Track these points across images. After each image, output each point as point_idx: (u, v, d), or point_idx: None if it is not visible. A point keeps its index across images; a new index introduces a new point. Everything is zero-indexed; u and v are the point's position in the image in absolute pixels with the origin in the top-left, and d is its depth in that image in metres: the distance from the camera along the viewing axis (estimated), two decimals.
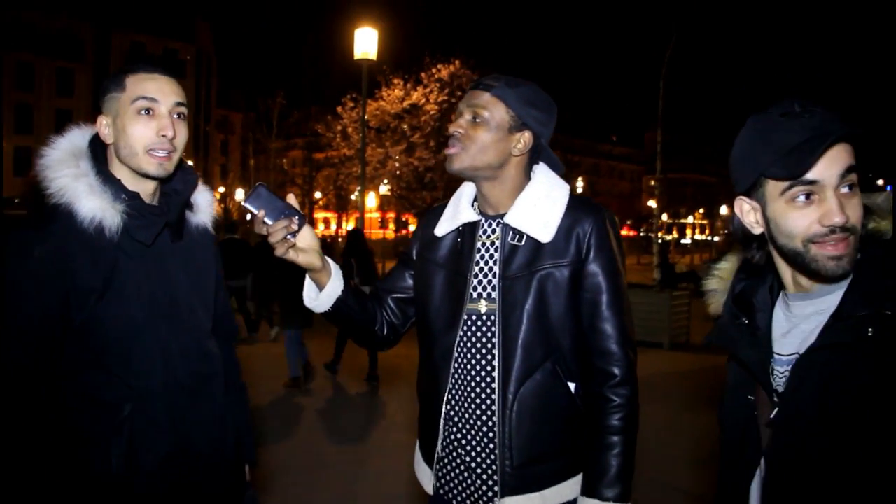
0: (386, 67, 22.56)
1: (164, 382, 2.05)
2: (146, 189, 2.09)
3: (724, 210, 58.52)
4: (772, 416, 1.55)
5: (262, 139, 28.51)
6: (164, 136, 2.01)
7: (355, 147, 22.08)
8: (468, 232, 2.20)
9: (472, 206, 2.25)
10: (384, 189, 27.42)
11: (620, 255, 2.14)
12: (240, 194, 41.19)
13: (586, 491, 2.04)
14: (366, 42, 15.05)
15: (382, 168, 23.33)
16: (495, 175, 2.13)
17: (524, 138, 2.12)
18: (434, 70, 22.68)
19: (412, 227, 43.56)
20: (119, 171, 2.05)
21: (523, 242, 2.10)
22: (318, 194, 39.88)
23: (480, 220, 2.19)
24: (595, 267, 2.08)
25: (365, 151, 17.89)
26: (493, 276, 2.12)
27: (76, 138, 2.08)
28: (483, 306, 2.12)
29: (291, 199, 2.03)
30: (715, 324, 1.74)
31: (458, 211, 2.24)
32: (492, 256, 2.14)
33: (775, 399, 1.56)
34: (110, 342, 1.99)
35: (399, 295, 2.36)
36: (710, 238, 61.29)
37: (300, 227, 1.99)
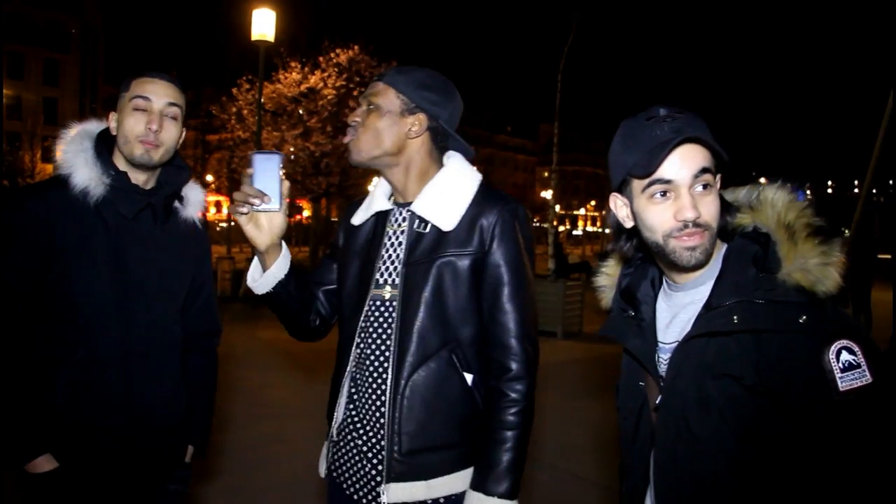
0: (283, 49, 22.14)
1: (116, 342, 2.30)
2: (139, 177, 2.39)
3: None
4: (657, 400, 1.66)
5: None
6: (150, 128, 2.30)
7: (251, 130, 21.61)
8: (381, 221, 2.23)
9: (389, 196, 2.26)
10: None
11: (527, 249, 2.14)
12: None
13: (475, 485, 2.05)
14: (263, 23, 14.73)
15: None
16: (396, 161, 2.16)
17: (418, 120, 2.14)
18: (332, 54, 22.41)
19: (306, 213, 43.14)
20: (118, 160, 2.38)
21: (427, 230, 2.12)
22: (210, 177, 39.02)
23: (392, 209, 2.21)
24: (497, 258, 2.08)
25: (261, 135, 17.56)
26: (398, 261, 2.13)
27: (91, 126, 2.45)
28: (387, 292, 2.14)
29: (285, 185, 2.05)
30: (607, 317, 1.85)
31: (373, 201, 2.27)
32: (400, 244, 2.16)
33: (661, 384, 1.66)
34: (74, 297, 2.27)
35: (326, 286, 2.38)
36: (601, 230, 62.83)
37: (270, 209, 2.02)
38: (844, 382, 1.40)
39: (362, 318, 2.17)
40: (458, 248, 2.08)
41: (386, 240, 2.20)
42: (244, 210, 2.01)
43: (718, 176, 1.56)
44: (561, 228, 65.47)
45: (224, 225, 49.57)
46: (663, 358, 1.67)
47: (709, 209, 1.53)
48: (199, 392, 2.62)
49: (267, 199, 2.00)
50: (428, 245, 2.11)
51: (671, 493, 1.61)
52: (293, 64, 22.35)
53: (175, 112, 2.38)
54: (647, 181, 1.54)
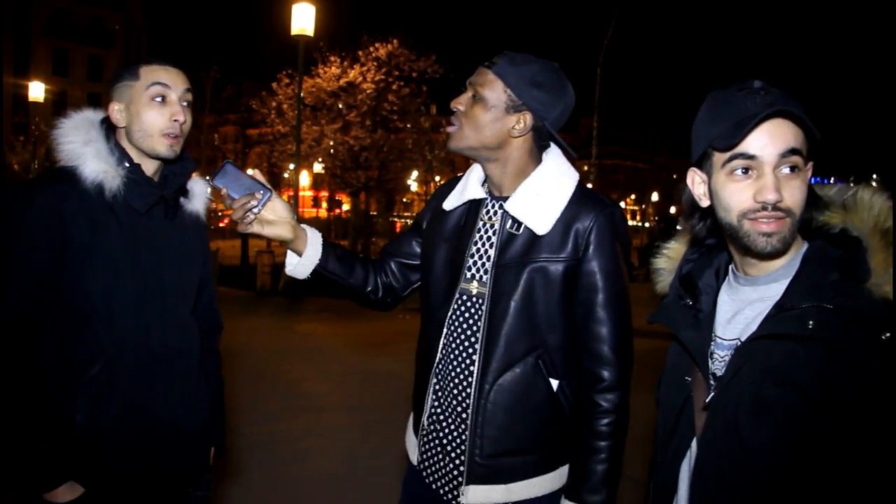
0: (323, 44, 22.25)
1: (136, 347, 2.17)
2: (148, 168, 2.25)
3: (655, 196, 59.62)
4: (707, 399, 1.56)
5: (194, 114, 27.97)
6: (176, 121, 2.20)
7: (290, 124, 21.74)
8: (473, 209, 2.20)
9: (483, 184, 2.21)
10: (318, 167, 27.10)
11: (624, 255, 2.09)
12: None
13: (569, 494, 2.05)
14: (303, 17, 14.81)
15: (317, 146, 23.06)
16: (495, 156, 2.10)
17: (524, 119, 2.07)
18: (371, 48, 22.46)
19: (345, 207, 43.31)
20: (126, 148, 2.23)
21: (520, 231, 2.08)
22: (250, 171, 39.31)
23: (486, 199, 2.17)
24: (592, 266, 2.03)
25: (300, 129, 17.65)
26: (488, 259, 2.10)
27: (90, 114, 2.28)
28: (474, 288, 2.12)
29: (257, 174, 2.08)
30: (660, 303, 1.74)
31: (467, 187, 2.22)
32: (489, 239, 2.13)
33: (711, 382, 1.57)
34: (90, 301, 2.11)
35: (403, 260, 2.37)
36: (641, 224, 62.29)
37: (264, 200, 2.05)
38: None
39: (451, 311, 2.15)
40: (552, 253, 2.03)
41: (477, 233, 2.16)
42: (251, 219, 2.04)
43: (810, 163, 1.44)
44: None
45: None
46: (718, 354, 1.58)
47: (793, 195, 1.41)
48: (214, 391, 2.53)
49: (256, 196, 2.04)
50: (520, 247, 2.06)
51: (708, 497, 1.51)
52: (332, 58, 22.45)
53: (190, 98, 2.27)
54: (728, 155, 1.44)
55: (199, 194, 2.45)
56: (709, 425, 1.53)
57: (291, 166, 22.57)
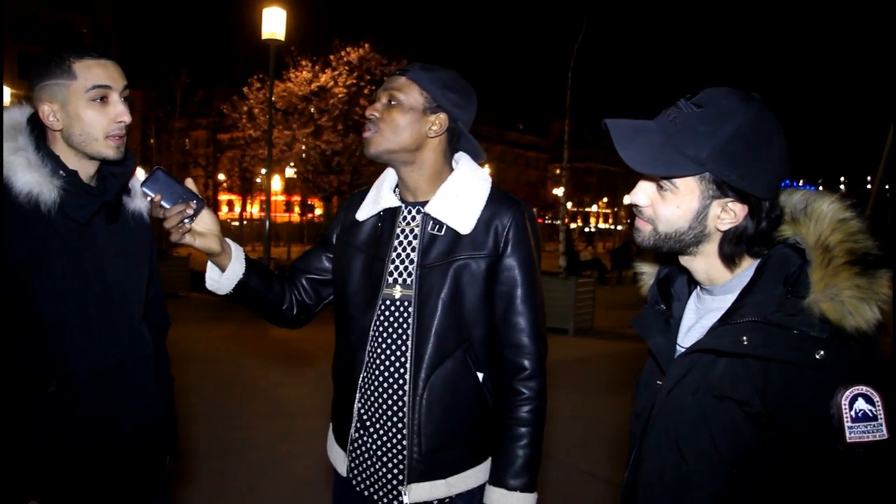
0: (294, 48, 22.23)
1: (91, 363, 2.07)
2: (87, 170, 2.12)
3: (627, 200, 59.84)
4: (651, 408, 1.59)
5: (165, 118, 27.75)
6: (121, 121, 2.08)
7: (262, 129, 21.70)
8: (388, 218, 2.22)
9: (394, 191, 2.25)
10: (290, 172, 27.03)
11: (537, 250, 2.18)
12: (141, 174, 40.04)
13: (493, 480, 2.10)
14: (274, 21, 14.75)
15: (289, 151, 23.01)
16: (412, 159, 2.15)
17: (439, 120, 2.14)
18: (343, 53, 22.46)
19: (318, 212, 43.18)
20: (61, 152, 2.08)
21: (443, 232, 2.13)
22: (221, 176, 39.11)
23: (401, 207, 2.20)
24: (512, 261, 2.11)
25: (271, 133, 17.59)
26: (411, 262, 2.14)
27: (14, 115, 2.10)
28: (398, 292, 2.14)
29: (190, 183, 2.05)
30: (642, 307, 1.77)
31: (380, 196, 2.25)
32: (410, 243, 2.15)
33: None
34: (38, 319, 2.00)
35: (314, 276, 2.36)
36: (613, 227, 62.71)
37: (198, 211, 2.01)
38: (853, 434, 1.27)
39: (375, 318, 2.16)
40: (474, 250, 2.10)
41: (395, 238, 2.19)
42: (186, 229, 2.01)
43: (683, 184, 1.46)
44: (573, 226, 65.47)
45: (236, 224, 49.74)
46: None
47: (641, 199, 1.53)
48: (166, 395, 2.44)
49: (190, 206, 2.01)
50: (443, 247, 2.12)
51: None
52: (304, 62, 22.43)
53: (128, 94, 2.12)
54: None
55: (140, 192, 2.27)
56: (652, 434, 1.56)
57: (263, 171, 22.48)
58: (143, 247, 2.31)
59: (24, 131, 2.06)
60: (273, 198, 25.63)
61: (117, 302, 2.15)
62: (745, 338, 1.36)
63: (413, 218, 2.18)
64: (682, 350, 1.58)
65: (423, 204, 2.17)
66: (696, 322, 1.59)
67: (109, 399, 2.12)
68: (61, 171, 2.03)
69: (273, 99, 17.55)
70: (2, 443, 1.96)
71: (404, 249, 2.17)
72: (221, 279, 2.15)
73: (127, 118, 2.09)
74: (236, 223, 50.04)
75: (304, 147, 22.70)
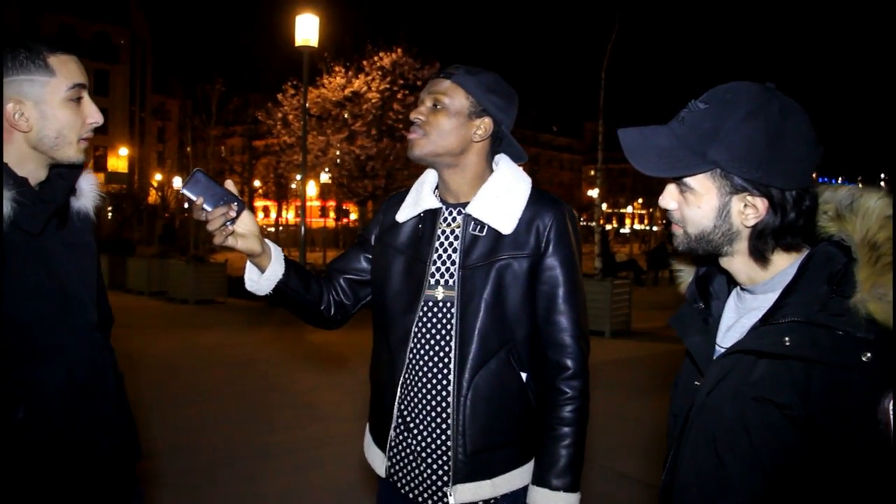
0: (327, 54, 22.28)
1: (61, 382, 1.93)
2: (38, 175, 1.93)
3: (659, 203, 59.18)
4: (688, 410, 1.56)
5: (200, 126, 27.94)
6: (93, 122, 1.94)
7: (296, 135, 21.79)
8: (429, 219, 2.22)
9: (434, 193, 2.26)
10: (325, 177, 27.13)
11: (578, 250, 2.18)
12: (177, 182, 40.41)
13: (536, 480, 2.10)
14: (307, 29, 14.86)
15: (323, 156, 23.08)
16: (456, 162, 2.16)
17: (484, 124, 2.15)
18: (376, 58, 22.48)
19: (353, 216, 43.37)
20: (13, 155, 1.86)
21: (484, 233, 2.14)
22: (257, 182, 39.44)
23: (441, 208, 2.21)
24: (553, 260, 2.12)
25: (306, 139, 17.69)
26: (452, 263, 2.14)
27: None
28: (440, 293, 2.15)
29: (230, 184, 2.03)
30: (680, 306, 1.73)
31: (421, 198, 2.25)
32: (451, 244, 2.16)
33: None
34: (1, 341, 1.82)
35: (352, 276, 2.37)
36: (648, 228, 62.17)
37: (239, 213, 1.99)
38: None
39: (417, 319, 2.16)
40: (516, 250, 2.11)
41: (437, 240, 2.19)
42: (229, 231, 1.99)
43: (707, 175, 1.44)
44: (608, 227, 65.02)
45: (272, 229, 50.12)
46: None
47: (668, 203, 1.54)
48: (121, 391, 2.25)
49: (232, 208, 1.98)
50: (485, 248, 2.13)
51: None
52: (337, 68, 22.48)
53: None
54: None
55: (87, 191, 2.13)
56: (690, 437, 1.53)
57: (298, 177, 22.64)
58: (91, 247, 2.14)
59: None
60: (308, 203, 25.82)
61: (77, 313, 1.99)
62: (787, 338, 1.31)
63: (454, 219, 2.19)
64: (721, 350, 1.54)
65: (464, 205, 2.18)
66: (736, 321, 1.55)
67: (78, 415, 1.98)
68: (11, 182, 1.81)
69: (307, 105, 17.65)
70: None
71: (445, 251, 2.17)
72: (261, 280, 2.15)
73: (99, 119, 1.95)
74: (272, 229, 50.44)
75: (338, 152, 22.76)
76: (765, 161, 1.37)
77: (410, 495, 2.19)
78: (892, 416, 1.21)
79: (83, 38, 50.94)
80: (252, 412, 7.27)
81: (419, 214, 2.25)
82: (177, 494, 4.97)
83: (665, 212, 1.57)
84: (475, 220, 2.15)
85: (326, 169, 24.56)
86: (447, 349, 2.12)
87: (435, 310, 2.15)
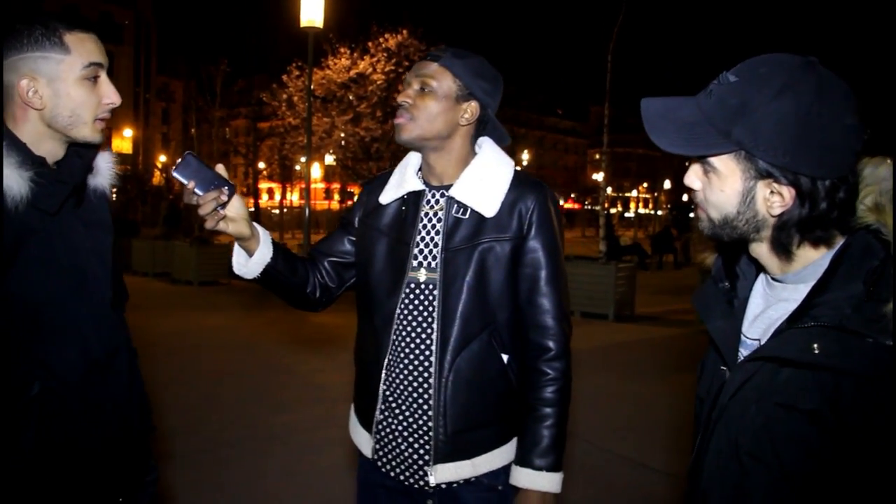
0: (332, 36, 22.19)
1: (76, 358, 1.95)
2: (56, 153, 1.93)
3: (667, 184, 59.41)
4: (712, 415, 1.47)
5: (205, 108, 27.90)
6: (110, 103, 1.93)
7: (301, 116, 21.73)
8: (412, 201, 2.23)
9: (417, 175, 2.27)
10: (330, 159, 27.09)
11: (560, 233, 2.20)
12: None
13: (519, 460, 2.14)
14: (312, 9, 14.77)
15: (328, 138, 23.04)
16: (442, 145, 2.17)
17: (471, 108, 2.15)
18: (381, 39, 22.39)
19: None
20: (28, 133, 1.86)
21: (467, 216, 2.15)
22: (262, 164, 39.38)
23: (425, 191, 2.22)
24: (536, 243, 2.14)
25: (311, 121, 17.66)
26: (435, 246, 2.16)
27: None
28: (423, 275, 2.16)
29: (220, 168, 2.02)
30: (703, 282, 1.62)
31: (404, 180, 2.26)
32: (434, 227, 2.18)
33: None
34: (18, 319, 1.85)
35: (336, 259, 2.38)
36: (653, 212, 62.08)
37: (230, 197, 1.98)
38: None
39: (400, 301, 2.18)
40: (499, 233, 2.13)
41: (420, 222, 2.21)
42: (220, 216, 1.98)
43: (727, 157, 1.34)
44: (612, 211, 64.94)
45: (276, 211, 50.09)
46: (742, 353, 1.46)
47: (705, 193, 1.41)
48: (134, 368, 2.26)
49: (223, 192, 1.96)
50: (468, 230, 2.14)
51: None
52: (342, 50, 22.40)
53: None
54: None
55: (103, 169, 2.14)
56: (713, 440, 1.45)
57: (303, 159, 22.60)
58: (107, 226, 2.14)
59: None
60: (312, 185, 25.79)
61: (93, 291, 2.01)
62: (815, 345, 1.20)
63: (437, 202, 2.20)
64: (746, 341, 1.46)
65: (448, 188, 2.18)
66: (764, 311, 1.45)
67: (94, 393, 2.00)
68: (30, 162, 1.81)
69: (312, 87, 17.61)
70: None
71: (428, 233, 2.19)
72: (250, 263, 2.15)
73: (117, 100, 1.94)
74: (276, 211, 50.37)
75: (343, 134, 22.71)
76: (794, 146, 1.24)
77: (392, 474, 2.22)
78: None
79: (87, 17, 50.78)
80: (257, 393, 7.30)
81: (402, 196, 2.25)
82: (182, 473, 4.99)
83: (689, 192, 1.46)
84: (458, 202, 2.16)
85: (331, 151, 24.52)
86: (429, 331, 2.14)
87: (417, 292, 2.17)
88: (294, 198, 56.34)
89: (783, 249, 1.36)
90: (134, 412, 2.20)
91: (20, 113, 1.85)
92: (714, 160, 1.35)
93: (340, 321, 11.65)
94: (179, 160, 1.98)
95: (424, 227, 2.20)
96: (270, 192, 64.74)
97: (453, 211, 2.17)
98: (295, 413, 6.62)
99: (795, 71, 1.27)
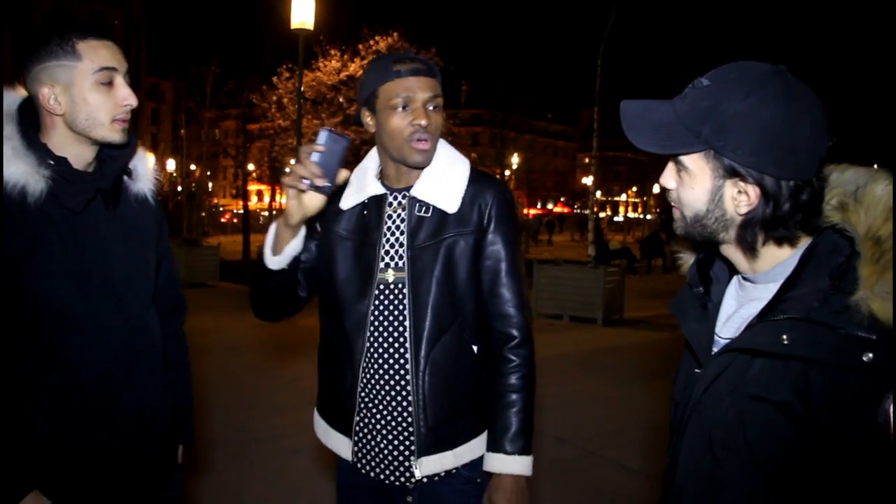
0: (323, 38, 22.19)
1: (94, 355, 2.02)
2: (85, 156, 2.05)
3: (656, 189, 59.58)
4: (687, 410, 1.50)
5: (195, 109, 27.80)
6: (127, 105, 2.03)
7: (291, 118, 21.71)
8: (374, 205, 2.26)
9: (377, 179, 2.30)
10: None
11: (516, 225, 2.29)
12: (171, 165, 40.21)
13: (491, 446, 2.19)
14: (303, 11, 14.77)
15: None
16: None
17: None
18: (372, 42, 22.39)
19: None
20: (57, 138, 2.01)
21: (430, 213, 2.20)
22: (251, 166, 39.29)
23: (386, 194, 2.25)
24: (496, 236, 2.21)
25: (301, 123, 17.63)
26: (401, 246, 2.20)
27: (7, 101, 2.02)
28: (391, 275, 2.20)
29: (344, 173, 2.04)
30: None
31: (365, 184, 2.29)
32: (398, 227, 2.21)
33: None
34: (36, 311, 1.95)
35: (307, 265, 2.36)
36: (642, 216, 62.28)
37: (325, 194, 2.00)
38: None
39: (372, 302, 2.21)
40: (462, 227, 2.19)
41: (384, 224, 2.23)
42: (302, 186, 1.98)
43: (697, 156, 1.39)
44: (602, 215, 65.10)
45: (266, 213, 50.01)
46: (714, 353, 1.49)
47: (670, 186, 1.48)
48: (178, 382, 2.39)
49: (325, 181, 1.97)
50: (432, 228, 2.19)
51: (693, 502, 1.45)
52: (333, 52, 22.39)
53: (128, 79, 2.07)
54: None
55: (143, 173, 2.26)
56: (688, 434, 1.48)
57: (292, 161, 22.54)
58: (148, 231, 2.25)
59: (12, 120, 1.98)
60: None
61: (120, 292, 2.10)
62: (785, 336, 1.25)
63: (399, 203, 2.24)
64: (720, 341, 1.50)
65: (408, 189, 2.23)
66: (736, 311, 1.50)
67: (114, 391, 2.07)
68: (49, 160, 1.95)
69: (302, 88, 17.59)
70: (4, 431, 1.91)
71: (392, 234, 2.22)
72: (287, 249, 2.15)
73: (133, 101, 2.05)
74: (266, 213, 50.30)
75: None
76: (759, 146, 1.31)
77: (372, 474, 2.24)
78: (892, 418, 1.15)
79: (77, 17, 50.55)
80: (244, 396, 7.28)
81: (363, 201, 2.28)
82: None
83: (665, 192, 1.51)
84: (420, 201, 2.21)
85: None
86: (402, 329, 2.18)
87: (387, 292, 2.20)
88: (283, 200, 56.16)
89: (749, 247, 1.41)
90: (161, 420, 2.24)
91: (48, 121, 2.01)
92: (685, 159, 1.41)
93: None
94: (339, 134, 2.01)
95: (388, 228, 2.23)
96: (260, 194, 64.63)
97: (416, 210, 2.21)
98: (282, 417, 6.60)
99: (763, 77, 1.33)
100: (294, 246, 2.16)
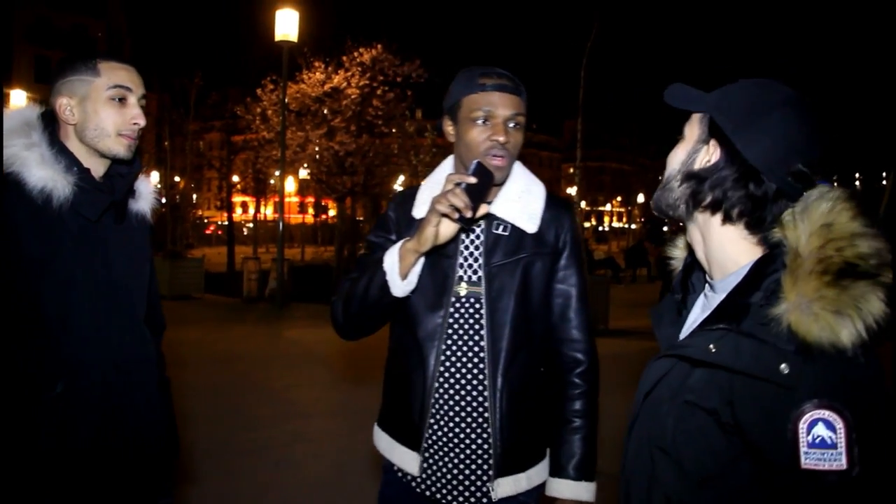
0: (307, 50, 22.21)
1: (99, 362, 2.08)
2: (97, 169, 2.15)
3: (641, 198, 59.78)
4: (634, 412, 1.53)
5: (179, 121, 27.83)
6: (135, 124, 2.12)
7: (275, 130, 21.68)
8: None
9: None
10: (304, 173, 27.03)
11: (584, 253, 2.26)
12: (155, 177, 40.14)
13: (556, 472, 2.18)
14: (287, 23, 14.82)
15: (302, 152, 22.98)
16: None
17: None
18: (356, 54, 22.43)
19: (332, 213, 43.14)
20: (74, 149, 2.10)
21: (508, 232, 2.18)
22: (235, 178, 39.21)
23: None
24: (570, 261, 2.23)
25: (285, 135, 17.64)
26: (475, 261, 2.17)
27: (27, 112, 2.13)
28: (464, 289, 2.17)
29: (485, 208, 2.01)
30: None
31: None
32: (472, 242, 2.19)
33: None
34: (47, 317, 2.00)
35: None
36: (627, 226, 62.48)
37: (465, 223, 1.94)
38: (808, 460, 1.15)
39: (447, 316, 2.16)
40: (539, 248, 2.19)
41: (459, 238, 2.15)
42: (455, 216, 1.91)
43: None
44: (586, 225, 65.31)
45: (251, 226, 49.87)
46: None
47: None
48: (164, 395, 2.41)
49: (470, 213, 1.91)
50: (510, 246, 2.17)
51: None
52: (317, 64, 22.41)
53: (145, 104, 2.19)
54: None
55: (145, 194, 2.34)
56: (633, 437, 1.51)
57: (277, 172, 22.53)
58: (144, 248, 2.33)
59: (37, 127, 2.08)
60: (287, 199, 25.72)
61: (123, 301, 2.18)
62: (712, 346, 1.28)
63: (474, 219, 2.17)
64: None
65: (488, 203, 2.14)
66: (696, 319, 1.51)
67: (115, 399, 2.12)
68: (75, 168, 2.05)
69: (286, 100, 17.59)
70: (5, 444, 1.94)
71: (467, 248, 2.19)
72: (410, 275, 2.05)
73: (142, 121, 2.14)
74: (250, 225, 50.16)
75: (317, 148, 22.67)
76: (741, 117, 1.36)
77: (438, 495, 2.18)
78: (800, 434, 1.17)
79: (60, 28, 50.32)
80: (230, 408, 7.24)
81: None
82: None
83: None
84: (498, 219, 2.19)
85: (305, 165, 24.49)
86: (478, 346, 2.14)
87: (458, 305, 2.16)
88: (268, 212, 56.13)
89: (689, 200, 1.43)
90: (156, 428, 2.29)
91: (64, 131, 2.13)
92: (686, 127, 1.47)
93: (313, 336, 11.66)
94: (487, 170, 1.98)
95: (463, 241, 2.20)
96: (244, 205, 64.39)
97: (493, 228, 2.19)
98: (268, 429, 6.57)
99: (776, 83, 1.40)
100: (417, 270, 2.06)
